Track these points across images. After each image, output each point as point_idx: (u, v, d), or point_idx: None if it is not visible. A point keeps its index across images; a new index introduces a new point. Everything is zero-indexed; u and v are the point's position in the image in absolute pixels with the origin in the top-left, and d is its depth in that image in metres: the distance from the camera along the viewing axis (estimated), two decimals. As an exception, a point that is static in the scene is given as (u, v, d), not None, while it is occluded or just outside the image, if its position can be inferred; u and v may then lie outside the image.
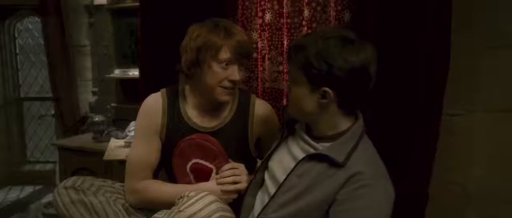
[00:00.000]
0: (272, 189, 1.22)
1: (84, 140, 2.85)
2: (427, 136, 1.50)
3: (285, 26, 2.02)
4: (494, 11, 1.39)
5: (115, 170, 2.48)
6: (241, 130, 1.50)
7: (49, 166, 3.96)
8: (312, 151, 1.17)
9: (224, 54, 1.33)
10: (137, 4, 2.32)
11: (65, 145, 2.82)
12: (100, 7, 3.21)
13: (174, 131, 1.47)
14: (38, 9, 3.40)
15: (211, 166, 1.44)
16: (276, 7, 2.06)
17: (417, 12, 1.55)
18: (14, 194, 3.75)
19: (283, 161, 1.25)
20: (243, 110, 1.52)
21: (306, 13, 1.96)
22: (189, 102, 1.49)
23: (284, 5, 2.01)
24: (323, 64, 1.07)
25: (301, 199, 1.10)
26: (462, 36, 1.44)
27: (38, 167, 4.06)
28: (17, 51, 4.00)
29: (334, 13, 1.87)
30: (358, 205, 1.05)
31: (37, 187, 3.83)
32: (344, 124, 1.18)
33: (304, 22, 1.97)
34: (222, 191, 1.35)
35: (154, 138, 1.47)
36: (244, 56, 1.38)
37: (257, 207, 1.26)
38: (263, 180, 1.31)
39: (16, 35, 3.99)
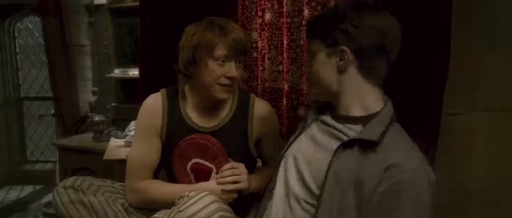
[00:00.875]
0: (298, 189, 1.15)
1: (84, 139, 2.85)
2: (427, 135, 1.50)
3: (285, 25, 2.02)
4: (494, 10, 1.39)
5: (115, 169, 2.48)
6: (241, 130, 1.50)
7: (49, 166, 3.96)
8: (342, 136, 1.12)
9: (220, 51, 1.34)
10: (137, 4, 2.33)
11: (65, 145, 2.82)
12: (100, 6, 3.21)
13: (174, 131, 1.47)
14: (38, 9, 3.40)
15: (211, 165, 1.43)
16: (276, 6, 2.06)
17: (417, 11, 1.55)
18: (14, 193, 3.75)
19: (309, 153, 1.17)
20: (243, 109, 1.51)
21: (306, 12, 1.96)
22: (189, 102, 1.49)
23: (284, 5, 2.01)
24: (338, 21, 1.07)
25: (345, 201, 1.03)
26: (462, 35, 1.44)
27: (38, 166, 4.07)
28: (17, 50, 4.00)
29: (334, 13, 1.87)
30: (399, 202, 1.00)
31: (37, 187, 3.84)
32: (372, 103, 1.14)
33: (304, 22, 1.97)
34: (222, 190, 1.35)
35: (154, 138, 1.47)
36: (240, 52, 1.37)
37: (278, 206, 1.18)
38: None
39: (16, 34, 3.99)
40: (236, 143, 1.49)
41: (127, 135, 2.58)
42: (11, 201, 3.59)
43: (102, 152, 2.38)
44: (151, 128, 1.46)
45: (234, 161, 1.43)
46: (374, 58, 1.11)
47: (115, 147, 2.44)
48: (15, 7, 3.75)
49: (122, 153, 2.29)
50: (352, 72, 1.12)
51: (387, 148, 1.04)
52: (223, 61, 1.35)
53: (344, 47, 1.08)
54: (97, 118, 2.84)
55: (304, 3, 1.96)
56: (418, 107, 1.57)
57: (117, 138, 2.64)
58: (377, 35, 1.07)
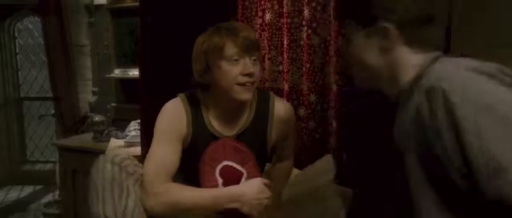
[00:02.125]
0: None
1: (84, 139, 2.85)
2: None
3: (285, 26, 2.02)
4: (494, 10, 1.39)
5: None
6: (261, 133, 1.47)
7: (49, 166, 3.96)
8: None
9: (230, 50, 1.31)
10: (137, 4, 2.32)
11: (65, 145, 2.82)
12: (100, 7, 3.21)
13: (199, 138, 1.42)
14: (38, 9, 3.40)
15: (242, 170, 1.40)
16: (276, 7, 2.06)
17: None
18: (14, 194, 3.76)
19: None
20: (263, 111, 1.48)
21: (306, 13, 1.96)
22: (210, 111, 1.44)
23: (284, 5, 2.01)
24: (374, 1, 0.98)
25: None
26: (462, 35, 1.45)
27: (38, 166, 4.07)
28: (17, 51, 4.01)
29: (334, 13, 1.87)
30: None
31: (37, 187, 3.84)
32: None
33: (304, 22, 1.97)
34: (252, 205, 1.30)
35: (177, 143, 1.40)
36: (251, 47, 1.33)
37: None
38: None
39: (16, 35, 4.00)
40: (256, 147, 1.47)
41: (127, 135, 2.58)
42: (11, 201, 3.59)
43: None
44: (175, 133, 1.40)
45: (252, 165, 1.42)
46: (422, 30, 0.98)
47: (115, 147, 2.44)
48: (15, 7, 3.76)
49: (122, 153, 2.29)
50: (400, 51, 1.00)
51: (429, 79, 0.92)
52: (235, 60, 1.31)
53: (385, 24, 0.97)
54: (97, 118, 2.84)
55: (304, 3, 1.96)
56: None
57: (117, 138, 2.64)
58: (420, 3, 0.97)
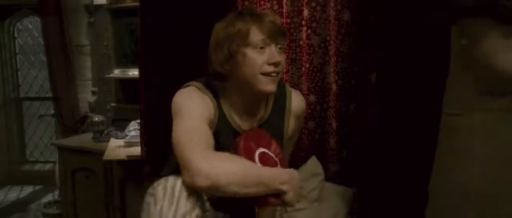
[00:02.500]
0: None
1: (84, 139, 2.85)
2: (427, 135, 1.50)
3: (284, 25, 2.02)
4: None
5: (115, 170, 2.48)
6: (278, 129, 1.39)
7: (48, 166, 3.96)
8: None
9: (256, 36, 1.21)
10: (136, 4, 2.32)
11: (64, 145, 2.82)
12: (99, 6, 3.20)
13: (221, 131, 1.30)
14: (37, 9, 3.40)
15: (276, 159, 1.27)
16: (275, 7, 2.06)
17: (417, 11, 1.55)
18: (14, 194, 3.75)
19: None
20: (280, 103, 1.39)
21: (305, 12, 1.96)
22: (229, 103, 1.33)
23: (284, 5, 2.01)
24: None
25: None
26: (462, 34, 1.44)
27: (37, 167, 4.07)
28: (17, 51, 4.00)
29: (334, 13, 1.87)
30: None
31: (37, 187, 3.84)
32: None
33: (303, 22, 1.97)
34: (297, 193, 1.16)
35: (207, 124, 1.23)
36: (278, 34, 1.23)
37: None
38: None
39: (16, 35, 4.00)
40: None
41: (126, 135, 2.58)
42: (11, 201, 3.59)
43: (102, 152, 2.38)
44: (206, 114, 1.24)
45: (282, 156, 1.32)
46: None
47: (115, 147, 2.44)
48: (15, 7, 3.75)
49: (122, 153, 2.29)
50: None
51: None
52: (262, 47, 1.21)
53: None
54: (96, 118, 2.84)
55: (304, 3, 1.96)
56: (418, 108, 1.58)
57: (117, 138, 2.64)
58: None
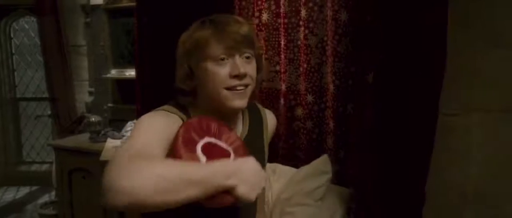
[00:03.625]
0: None
1: (81, 140, 2.84)
2: (424, 135, 1.50)
3: (282, 26, 2.02)
4: (492, 9, 1.39)
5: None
6: (258, 148, 1.25)
7: (45, 167, 3.95)
8: None
9: (215, 48, 1.07)
10: (133, 4, 2.32)
11: (61, 145, 2.80)
12: (96, 7, 3.20)
13: None
14: (34, 9, 3.39)
15: (228, 149, 1.08)
16: (273, 7, 2.06)
17: (413, 11, 1.56)
18: (10, 194, 3.74)
19: None
20: (257, 122, 1.28)
21: (303, 13, 1.96)
22: None
23: (281, 5, 2.01)
24: None
25: None
26: (459, 35, 1.44)
27: (34, 167, 4.06)
28: (13, 51, 3.99)
29: (331, 13, 1.87)
30: None
31: (33, 188, 3.83)
32: None
33: (301, 22, 1.97)
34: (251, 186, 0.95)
35: (164, 149, 1.02)
36: (241, 43, 1.08)
37: None
38: None
39: (12, 35, 3.98)
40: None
41: (123, 136, 2.57)
42: (7, 202, 3.58)
43: (98, 153, 2.37)
44: (162, 137, 1.04)
45: (241, 148, 1.13)
46: None
47: (112, 148, 2.44)
48: (11, 7, 3.74)
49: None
50: None
51: None
52: (222, 59, 1.07)
53: None
54: (93, 118, 2.84)
55: (301, 3, 1.96)
56: (415, 108, 1.58)
57: (114, 138, 2.64)
58: None
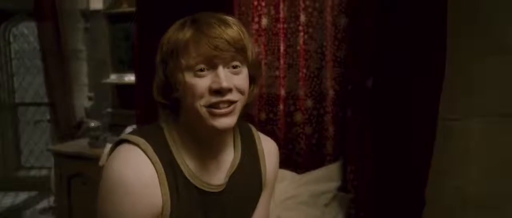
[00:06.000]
0: None
1: (80, 145, 2.83)
2: (423, 139, 1.50)
3: (281, 31, 2.03)
4: (491, 15, 1.40)
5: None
6: (254, 173, 1.04)
7: (44, 172, 3.93)
8: None
9: (191, 56, 0.84)
10: (133, 9, 2.32)
11: (60, 151, 2.80)
12: (96, 12, 3.21)
13: (183, 202, 0.91)
14: (33, 14, 3.39)
15: None
16: (272, 12, 2.06)
17: (413, 17, 1.56)
18: (9, 200, 3.73)
19: None
20: (251, 148, 1.04)
21: (302, 18, 1.96)
22: (182, 151, 0.92)
23: (281, 10, 2.02)
24: None
25: None
26: (459, 41, 1.45)
27: (33, 172, 4.04)
28: (12, 56, 3.99)
29: (330, 18, 1.88)
30: None
31: (32, 193, 3.81)
32: None
33: (300, 27, 1.97)
34: None
35: None
36: (227, 51, 0.84)
37: None
38: None
39: (12, 40, 3.98)
40: (251, 197, 1.04)
41: (123, 141, 2.56)
42: (6, 207, 3.56)
43: (97, 158, 2.36)
44: (144, 212, 0.86)
45: None
46: None
47: (111, 153, 2.43)
48: (11, 12, 3.74)
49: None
50: None
51: None
52: (202, 70, 0.84)
53: None
54: (92, 123, 2.83)
55: (301, 8, 1.97)
56: (414, 112, 1.58)
57: (113, 143, 2.63)
58: None
